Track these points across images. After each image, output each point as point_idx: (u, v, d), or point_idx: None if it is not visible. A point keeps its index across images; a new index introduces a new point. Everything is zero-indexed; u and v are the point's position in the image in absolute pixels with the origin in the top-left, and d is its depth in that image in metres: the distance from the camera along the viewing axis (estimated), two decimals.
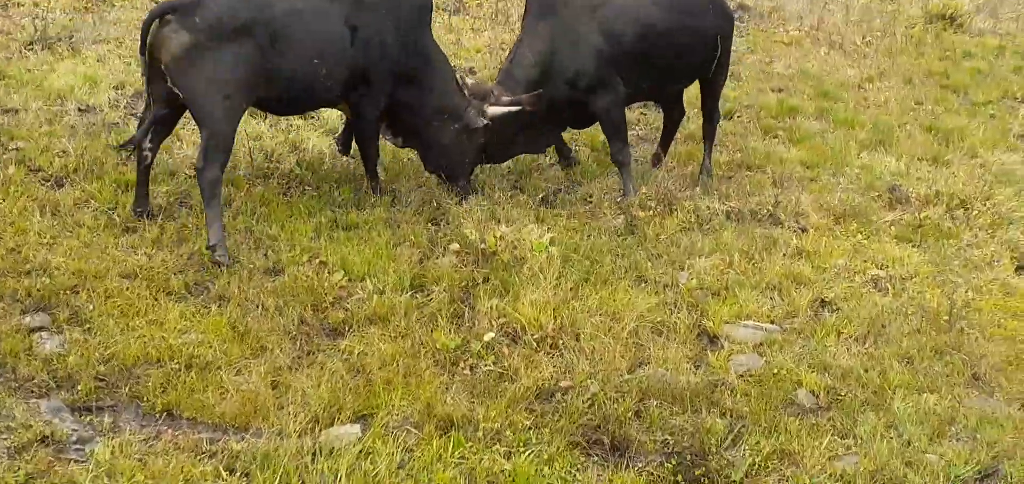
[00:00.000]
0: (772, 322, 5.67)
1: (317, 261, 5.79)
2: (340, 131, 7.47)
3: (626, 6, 7.14)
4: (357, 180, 6.98)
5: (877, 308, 5.83)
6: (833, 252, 6.55)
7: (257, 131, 7.69)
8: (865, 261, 6.49)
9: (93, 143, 7.00)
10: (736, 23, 12.63)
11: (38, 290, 5.23)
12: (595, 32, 6.98)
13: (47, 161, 6.69)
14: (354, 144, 7.11)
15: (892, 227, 7.08)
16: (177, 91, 5.84)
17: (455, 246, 6.13)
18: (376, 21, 6.44)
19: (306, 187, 6.83)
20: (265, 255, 5.85)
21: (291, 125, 7.97)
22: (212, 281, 5.53)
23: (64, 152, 6.82)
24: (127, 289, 5.33)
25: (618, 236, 6.56)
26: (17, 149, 6.81)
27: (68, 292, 5.28)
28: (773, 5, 13.74)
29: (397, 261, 5.87)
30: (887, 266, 6.45)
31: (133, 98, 8.00)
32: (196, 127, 6.30)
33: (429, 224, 6.49)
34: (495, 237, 5.99)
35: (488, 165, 7.41)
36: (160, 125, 6.15)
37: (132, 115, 7.70)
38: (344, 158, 7.34)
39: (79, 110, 7.67)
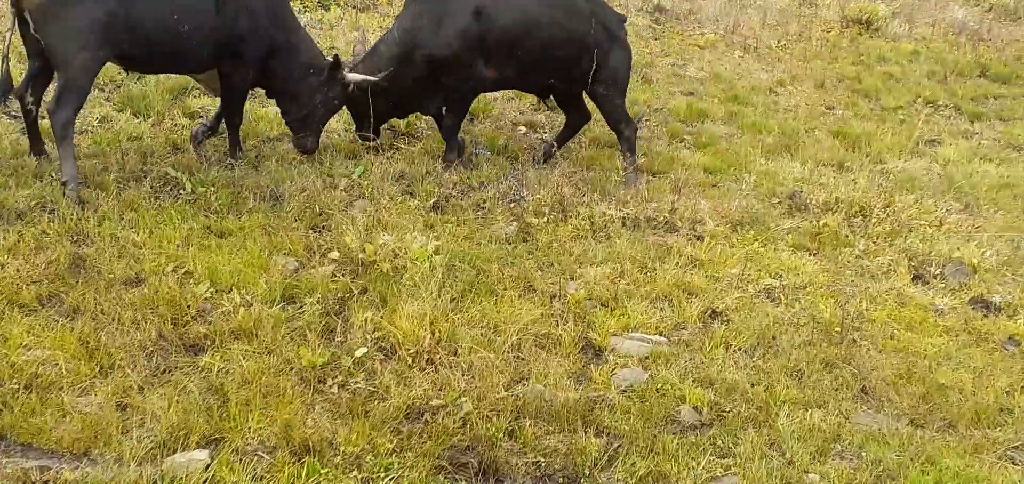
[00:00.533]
0: (660, 334, 5.46)
1: (182, 271, 5.44)
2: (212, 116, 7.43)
3: None
4: (236, 183, 6.64)
5: (768, 319, 5.65)
6: (727, 261, 6.34)
7: (137, 130, 7.32)
8: (759, 270, 6.28)
9: None
10: (652, 27, 12.63)
11: None
12: (466, 10, 7.17)
13: None
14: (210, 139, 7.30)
15: (789, 235, 6.89)
16: (39, 38, 6.01)
17: (335, 254, 5.82)
18: None
19: (181, 191, 6.45)
20: (128, 264, 5.48)
21: (175, 124, 7.60)
22: (67, 292, 5.16)
23: None
24: None
25: (508, 243, 6.31)
26: None
27: None
28: (690, 7, 13.64)
29: (269, 271, 5.54)
30: (781, 275, 6.26)
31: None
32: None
33: (309, 231, 6.16)
34: (374, 246, 5.70)
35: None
36: (38, 78, 6.37)
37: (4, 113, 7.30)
38: (228, 161, 7.03)
39: None
